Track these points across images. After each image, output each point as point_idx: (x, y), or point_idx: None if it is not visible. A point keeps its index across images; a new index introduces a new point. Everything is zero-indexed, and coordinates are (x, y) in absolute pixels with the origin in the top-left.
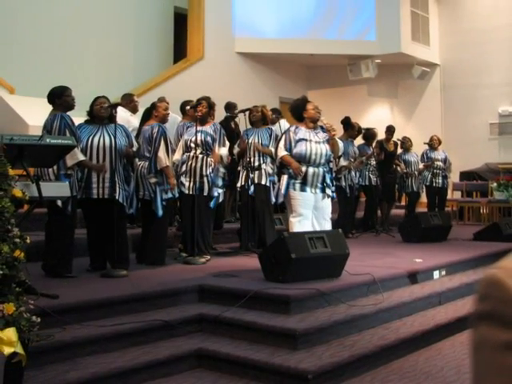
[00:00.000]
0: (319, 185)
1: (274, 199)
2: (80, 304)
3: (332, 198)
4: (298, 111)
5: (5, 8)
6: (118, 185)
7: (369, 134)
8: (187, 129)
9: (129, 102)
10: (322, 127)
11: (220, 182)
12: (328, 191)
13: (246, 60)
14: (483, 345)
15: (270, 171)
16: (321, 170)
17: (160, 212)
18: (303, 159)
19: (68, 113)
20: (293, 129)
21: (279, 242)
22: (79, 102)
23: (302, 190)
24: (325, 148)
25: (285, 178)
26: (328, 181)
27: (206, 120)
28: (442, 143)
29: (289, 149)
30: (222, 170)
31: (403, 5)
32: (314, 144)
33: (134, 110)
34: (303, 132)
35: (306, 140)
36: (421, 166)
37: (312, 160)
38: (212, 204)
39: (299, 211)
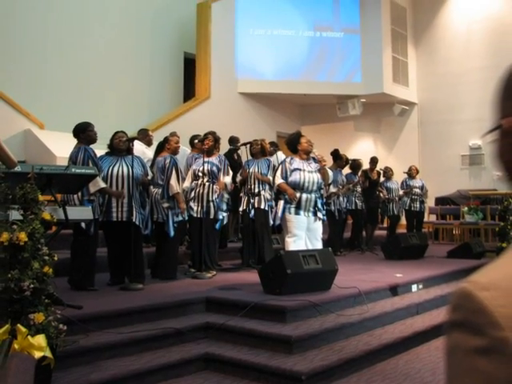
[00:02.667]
0: (311, 209)
1: (272, 221)
2: (101, 314)
3: (323, 221)
4: (293, 144)
5: (36, 53)
6: (134, 209)
7: (355, 164)
8: (195, 160)
9: (144, 136)
10: (313, 158)
11: (224, 207)
12: (319, 214)
13: (248, 99)
14: (456, 350)
15: (269, 197)
16: (313, 195)
17: (172, 233)
18: (297, 186)
19: (91, 145)
20: (288, 160)
21: (276, 259)
22: (101, 135)
23: (297, 213)
24: (316, 177)
25: (281, 203)
26: (319, 205)
27: (212, 152)
28: (419, 172)
29: (285, 177)
30: (226, 196)
31: (385, 51)
32: (307, 173)
33: (149, 143)
34: (297, 162)
35: (300, 169)
36: (401, 192)
37: (305, 187)
38: (217, 226)
39: (294, 232)
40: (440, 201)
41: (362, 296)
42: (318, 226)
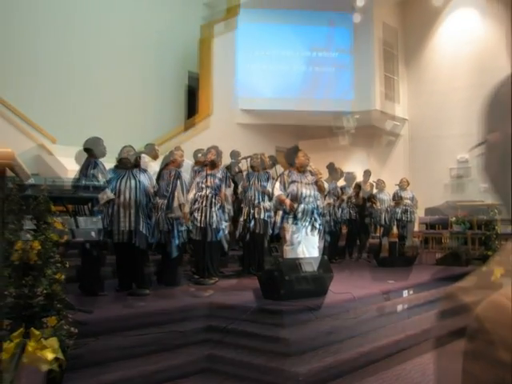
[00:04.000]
0: (308, 219)
1: (271, 231)
2: (110, 317)
3: (319, 230)
4: (291, 158)
5: (49, 71)
6: (141, 219)
7: (349, 177)
8: (199, 173)
9: (151, 150)
10: (310, 171)
11: (226, 217)
12: (316, 224)
13: (248, 115)
14: (480, 357)
15: (268, 207)
16: (310, 206)
17: (177, 241)
18: (295, 198)
19: (100, 159)
20: (286, 172)
21: (275, 266)
22: (109, 150)
23: (295, 223)
24: (313, 188)
25: (280, 213)
26: (316, 216)
27: (215, 165)
28: (409, 184)
29: (283, 189)
30: (228, 206)
31: (377, 70)
32: (304, 185)
33: (154, 157)
34: (295, 175)
35: (298, 182)
36: (392, 203)
37: (302, 198)
38: (220, 234)
39: (292, 241)
40: (429, 211)
41: (356, 301)
42: (315, 235)
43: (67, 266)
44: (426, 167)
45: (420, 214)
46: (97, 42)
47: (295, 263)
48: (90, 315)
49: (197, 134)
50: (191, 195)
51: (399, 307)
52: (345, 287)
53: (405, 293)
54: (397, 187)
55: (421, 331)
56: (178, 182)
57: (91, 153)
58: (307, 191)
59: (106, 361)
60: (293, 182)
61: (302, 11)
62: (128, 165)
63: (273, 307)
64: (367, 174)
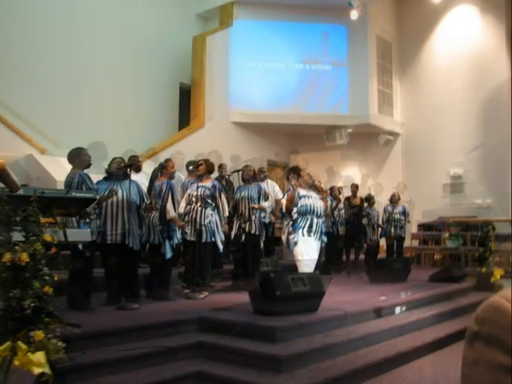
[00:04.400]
0: (318, 233)
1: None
2: (98, 332)
3: (322, 241)
4: (294, 176)
5: (38, 81)
6: (129, 231)
7: (333, 191)
8: (191, 185)
9: (133, 162)
10: (316, 187)
11: (219, 230)
12: (324, 238)
13: (240, 128)
14: (479, 362)
15: (263, 220)
16: (320, 220)
17: (169, 255)
18: (308, 211)
19: (91, 170)
20: (291, 189)
21: (266, 282)
22: (99, 161)
23: (309, 236)
24: (322, 203)
25: (293, 227)
26: (323, 229)
27: (206, 177)
28: (400, 199)
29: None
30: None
31: (371, 83)
32: (314, 199)
33: (137, 170)
34: (303, 191)
35: (308, 196)
36: (380, 222)
37: (315, 212)
38: (221, 248)
39: (307, 253)
40: (422, 227)
41: (347, 318)
42: (319, 249)
43: (56, 278)
44: (419, 182)
45: (413, 229)
46: (85, 55)
47: (286, 278)
48: (78, 329)
49: (187, 146)
50: (182, 208)
51: (391, 324)
52: (336, 303)
53: (397, 309)
54: (388, 202)
55: (413, 349)
56: (170, 194)
57: (76, 164)
58: (318, 205)
59: (94, 376)
60: (304, 196)
61: (295, 23)
62: (117, 176)
63: (263, 323)
64: (353, 187)
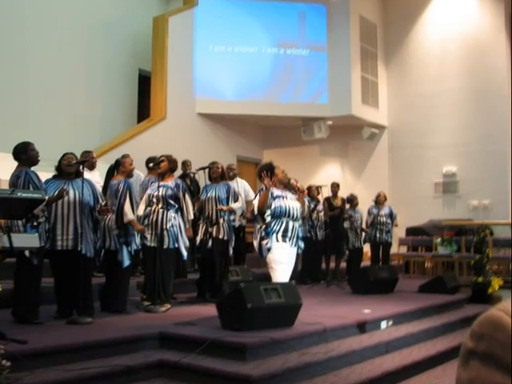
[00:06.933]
0: (294, 239)
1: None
2: (47, 349)
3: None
4: (267, 174)
5: None
6: (82, 237)
7: (310, 191)
8: (151, 184)
9: (87, 158)
10: (293, 187)
11: (186, 242)
12: (301, 244)
13: (206, 120)
14: (476, 382)
15: (231, 223)
16: (296, 224)
17: (126, 262)
18: (283, 214)
19: (39, 167)
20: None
21: (236, 293)
22: (47, 157)
23: (284, 241)
24: (298, 204)
25: (265, 231)
26: (300, 234)
27: (168, 175)
28: (387, 199)
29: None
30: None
31: (354, 70)
32: (289, 200)
33: (90, 167)
34: (277, 191)
35: (283, 197)
36: (364, 225)
37: (291, 214)
38: (184, 255)
39: (282, 261)
40: (411, 231)
41: (327, 333)
42: (295, 256)
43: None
44: (407, 181)
45: (401, 234)
46: (33, 31)
47: (258, 289)
48: (24, 346)
49: (148, 140)
50: (141, 210)
51: (376, 340)
52: (315, 317)
53: (383, 324)
54: (373, 203)
55: (401, 368)
56: (128, 194)
57: (22, 160)
58: (294, 206)
59: None
60: (277, 196)
61: (268, 2)
62: (69, 175)
63: (233, 339)
64: (335, 186)
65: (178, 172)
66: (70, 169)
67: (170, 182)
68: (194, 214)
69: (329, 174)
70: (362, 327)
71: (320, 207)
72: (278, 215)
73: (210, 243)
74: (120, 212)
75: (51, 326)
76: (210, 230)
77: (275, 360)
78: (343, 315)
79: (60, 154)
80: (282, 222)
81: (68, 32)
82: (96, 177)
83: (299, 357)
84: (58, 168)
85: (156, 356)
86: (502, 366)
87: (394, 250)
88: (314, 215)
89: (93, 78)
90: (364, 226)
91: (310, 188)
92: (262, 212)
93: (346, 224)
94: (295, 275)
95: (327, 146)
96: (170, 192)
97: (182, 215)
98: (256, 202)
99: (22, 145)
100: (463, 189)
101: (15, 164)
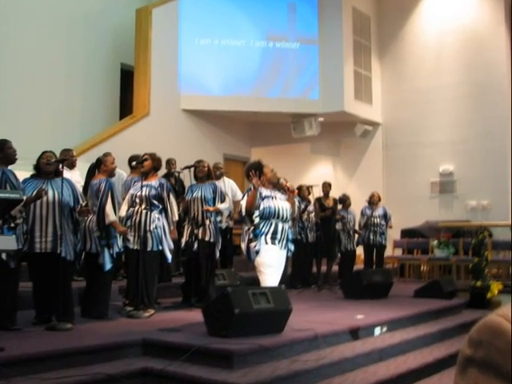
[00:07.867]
0: (284, 241)
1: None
2: (25, 357)
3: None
4: (256, 174)
5: None
6: (61, 239)
7: (301, 191)
8: (134, 183)
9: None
10: (283, 187)
11: (171, 244)
12: (291, 247)
13: (191, 116)
14: None
15: (218, 225)
16: (286, 226)
17: (108, 266)
18: (272, 215)
19: (17, 166)
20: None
21: (223, 297)
22: (25, 156)
23: (273, 243)
24: (288, 205)
25: (254, 233)
26: (290, 236)
27: (151, 175)
28: (381, 200)
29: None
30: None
31: (346, 64)
32: (278, 201)
33: (70, 166)
34: (265, 191)
35: (272, 197)
36: (356, 227)
37: (280, 215)
38: (169, 258)
39: (271, 264)
40: (406, 233)
41: (318, 339)
42: (285, 259)
43: None
44: (402, 180)
45: (395, 236)
46: (11, 23)
47: (247, 294)
48: (1, 354)
49: (131, 137)
50: (123, 211)
51: (370, 347)
52: (305, 323)
53: (377, 330)
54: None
55: (396, 376)
56: (109, 194)
57: None
58: (284, 207)
59: None
60: (266, 197)
61: None
62: (48, 174)
63: (219, 346)
64: (326, 185)
65: (162, 171)
66: (48, 168)
67: (154, 182)
68: (179, 215)
69: (320, 173)
70: (354, 333)
71: (311, 208)
72: (267, 216)
73: (195, 245)
74: (101, 213)
75: (29, 332)
76: (195, 231)
77: (264, 368)
78: (335, 321)
79: (38, 152)
80: (271, 224)
81: (47, 24)
82: (76, 176)
83: (289, 365)
84: (37, 167)
85: (139, 364)
86: (501, 374)
87: (388, 252)
88: (305, 216)
89: (73, 72)
90: (357, 227)
91: (300, 188)
92: (250, 213)
93: (338, 225)
94: (285, 279)
95: (318, 144)
96: (153, 192)
97: (167, 216)
98: (244, 203)
99: None
100: (461, 188)
101: None
